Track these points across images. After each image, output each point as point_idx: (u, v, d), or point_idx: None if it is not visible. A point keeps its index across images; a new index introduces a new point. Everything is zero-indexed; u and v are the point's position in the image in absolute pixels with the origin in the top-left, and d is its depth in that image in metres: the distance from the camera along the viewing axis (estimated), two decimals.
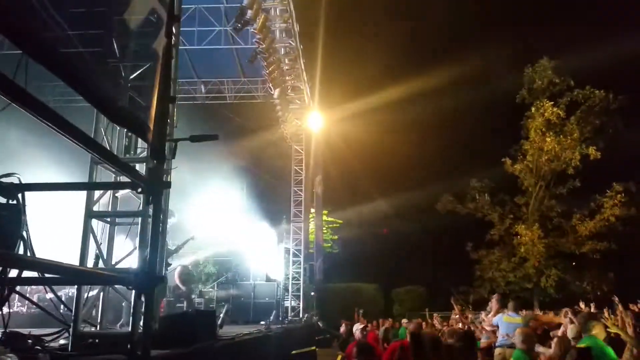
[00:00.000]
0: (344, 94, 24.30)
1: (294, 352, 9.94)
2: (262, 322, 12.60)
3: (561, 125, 24.35)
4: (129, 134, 5.73)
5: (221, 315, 8.19)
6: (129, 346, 4.46)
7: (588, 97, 24.24)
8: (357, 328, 8.78)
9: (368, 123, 26.92)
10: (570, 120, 24.28)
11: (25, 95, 2.59)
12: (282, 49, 15.88)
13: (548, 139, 23.90)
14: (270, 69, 15.21)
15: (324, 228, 25.00)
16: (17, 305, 9.07)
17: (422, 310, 20.93)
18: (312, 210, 20.87)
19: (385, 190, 29.95)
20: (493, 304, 8.72)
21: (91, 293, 5.23)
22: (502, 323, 7.90)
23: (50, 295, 8.74)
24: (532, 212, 25.36)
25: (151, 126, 4.01)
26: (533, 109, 24.61)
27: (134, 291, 4.47)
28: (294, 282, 18.39)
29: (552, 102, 24.30)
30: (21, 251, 3.60)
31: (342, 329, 10.10)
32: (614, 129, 24.07)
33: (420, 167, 29.74)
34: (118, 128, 5.58)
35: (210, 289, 15.76)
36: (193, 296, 12.19)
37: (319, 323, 16.24)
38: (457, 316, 9.94)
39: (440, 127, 30.11)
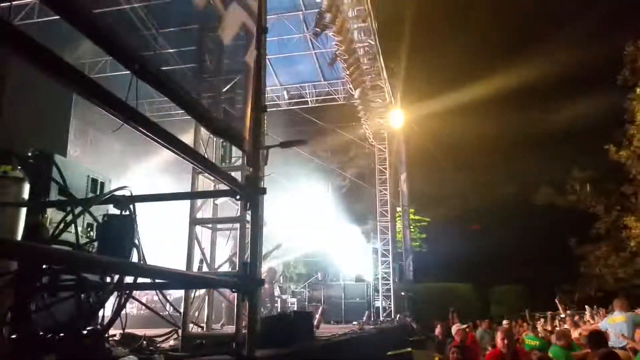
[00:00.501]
0: (426, 90, 23.84)
1: (389, 353, 9.85)
2: (355, 323, 12.65)
3: None
4: (224, 143, 6.01)
5: (317, 316, 8.33)
6: (234, 346, 4.69)
7: None
8: (455, 329, 8.52)
9: (452, 118, 26.22)
10: None
11: (137, 114, 2.81)
12: (361, 49, 15.87)
13: None
14: (350, 70, 15.27)
15: (411, 227, 24.61)
16: (128, 307, 9.80)
17: (522, 311, 19.97)
18: (398, 209, 20.63)
19: (475, 185, 28.92)
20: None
21: (196, 295, 5.53)
22: (608, 326, 7.28)
23: (156, 297, 9.38)
24: None
25: (247, 135, 4.18)
26: (638, 89, 22.56)
27: (236, 294, 4.69)
28: (383, 282, 18.26)
29: None
30: (135, 259, 3.91)
31: (438, 330, 9.80)
32: None
33: (512, 159, 28.38)
34: (215, 139, 5.87)
35: (302, 289, 16.09)
36: (277, 294, 12.54)
37: (412, 324, 15.96)
38: (564, 317, 9.32)
39: (532, 117, 28.56)
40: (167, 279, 3.35)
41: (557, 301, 9.53)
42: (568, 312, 10.54)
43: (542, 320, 12.13)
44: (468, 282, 27.38)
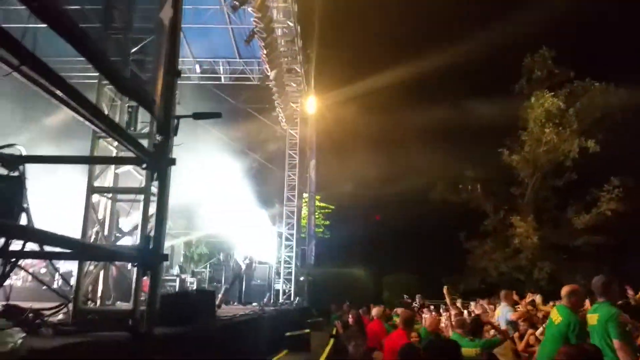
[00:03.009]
0: (340, 78, 24.11)
1: (288, 333, 9.95)
2: (255, 304, 12.61)
3: (560, 117, 24.21)
4: (129, 109, 5.60)
5: (219, 296, 8.16)
6: (130, 322, 4.42)
7: (588, 89, 24.15)
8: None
9: (363, 108, 26.80)
10: (570, 112, 24.14)
11: (33, 58, 2.49)
12: (280, 30, 15.66)
13: (547, 130, 23.79)
14: (267, 50, 15.01)
15: (316, 213, 24.99)
16: (13, 278, 8.94)
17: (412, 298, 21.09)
18: (305, 194, 20.84)
19: (379, 176, 29.91)
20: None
21: (90, 268, 5.14)
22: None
23: (44, 270, 8.65)
24: (527, 203, 25.39)
25: (157, 100, 3.91)
26: (533, 98, 24.42)
27: (135, 268, 4.42)
28: (285, 265, 18.39)
29: (552, 93, 24.19)
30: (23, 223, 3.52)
31: (351, 319, 9.78)
32: (614, 122, 24.00)
33: (415, 154, 29.68)
34: (118, 104, 5.46)
35: (203, 269, 15.72)
36: (176, 273, 12.18)
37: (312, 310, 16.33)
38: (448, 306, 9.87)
39: (435, 114, 30.00)
40: (62, 246, 3.05)
41: (445, 291, 10.03)
42: (457, 303, 11.19)
43: (431, 307, 12.88)
44: (365, 269, 28.50)
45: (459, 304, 11.34)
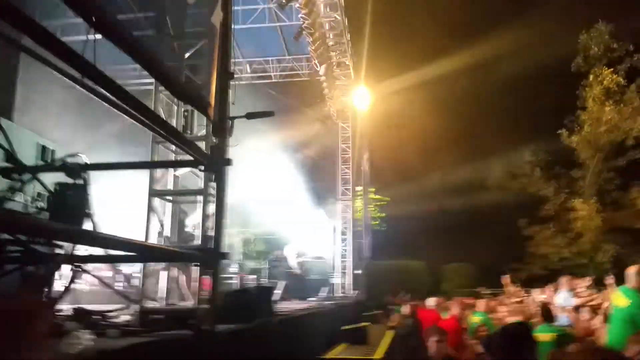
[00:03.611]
0: (391, 70, 23.81)
1: (344, 327, 9.94)
2: (313, 299, 12.70)
3: (621, 94, 22.97)
4: (185, 113, 5.73)
5: (279, 291, 8.26)
6: (193, 321, 4.53)
7: None
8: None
9: (415, 98, 26.39)
10: (631, 88, 22.82)
11: (95, 71, 2.57)
12: (327, 24, 15.59)
13: (607, 109, 22.63)
14: (315, 45, 14.98)
15: (371, 206, 24.84)
16: (79, 283, 9.40)
17: (471, 288, 20.60)
18: (359, 188, 20.73)
19: (433, 166, 29.41)
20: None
21: (153, 268, 5.31)
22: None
23: (109, 273, 9.04)
24: (589, 185, 24.30)
25: (212, 102, 3.97)
26: (591, 76, 23.27)
27: (198, 268, 4.53)
28: (342, 259, 18.40)
29: (610, 69, 22.91)
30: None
31: (407, 309, 9.68)
32: None
33: (470, 141, 28.97)
34: (175, 108, 5.59)
35: (261, 266, 16.00)
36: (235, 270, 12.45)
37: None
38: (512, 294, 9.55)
39: (491, 100, 29.10)
40: (126, 250, 3.15)
41: (502, 281, 9.68)
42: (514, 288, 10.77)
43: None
44: (422, 260, 28.07)
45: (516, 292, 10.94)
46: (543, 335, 5.57)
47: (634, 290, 4.76)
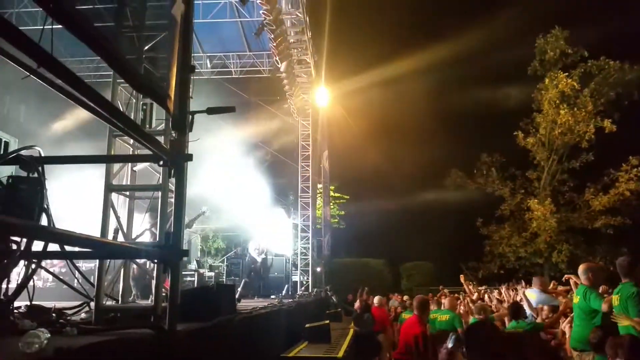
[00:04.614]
0: (351, 68, 24.01)
1: (307, 325, 9.97)
2: (273, 296, 12.67)
3: (575, 98, 23.89)
4: (144, 107, 5.61)
5: (239, 289, 8.20)
6: (152, 319, 4.45)
7: (602, 68, 23.72)
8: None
9: (374, 97, 26.72)
10: (584, 92, 23.77)
11: (52, 60, 2.48)
12: (289, 21, 15.57)
13: (562, 112, 23.49)
14: (276, 42, 14.93)
15: (331, 203, 24.98)
16: (34, 279, 9.09)
17: (431, 286, 21.05)
18: (319, 185, 20.81)
19: (392, 165, 29.84)
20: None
21: (110, 266, 5.18)
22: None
23: (65, 269, 8.76)
24: (544, 186, 25.16)
25: (172, 96, 3.90)
26: (547, 80, 24.10)
27: (155, 265, 4.45)
28: (302, 257, 18.44)
29: (566, 74, 23.81)
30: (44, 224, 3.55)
31: (357, 304, 10.19)
32: (630, 100, 23.59)
33: (429, 141, 29.52)
34: (133, 102, 5.47)
35: (220, 263, 15.83)
36: (194, 267, 12.24)
37: (332, 298, 16.33)
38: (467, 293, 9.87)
39: (448, 101, 29.83)
40: (82, 246, 3.06)
41: (462, 279, 9.99)
42: (481, 288, 11.18)
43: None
44: (381, 258, 28.46)
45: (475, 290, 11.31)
46: (513, 331, 5.84)
47: (583, 287, 5.03)
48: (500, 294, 10.23)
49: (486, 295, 9.78)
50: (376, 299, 10.29)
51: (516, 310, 6.31)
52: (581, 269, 5.27)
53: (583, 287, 5.08)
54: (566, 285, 8.79)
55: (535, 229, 24.04)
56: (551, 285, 9.33)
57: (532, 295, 7.72)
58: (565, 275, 8.34)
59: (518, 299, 8.53)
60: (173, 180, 4.09)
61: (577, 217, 24.30)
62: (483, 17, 27.84)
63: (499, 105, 27.31)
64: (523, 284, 9.90)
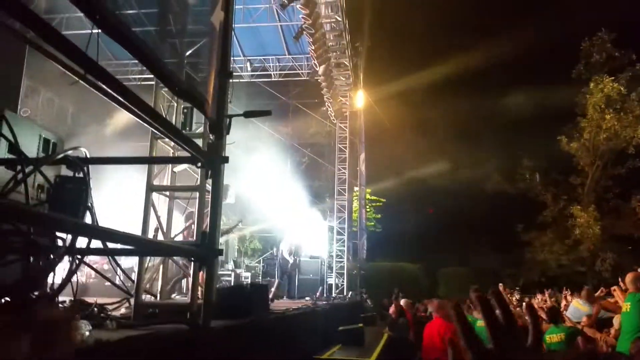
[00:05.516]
0: (389, 71, 23.91)
1: (340, 328, 10.00)
2: (307, 298, 12.76)
3: (622, 102, 23.06)
4: (184, 110, 5.80)
5: (272, 289, 8.32)
6: (188, 316, 4.60)
7: None
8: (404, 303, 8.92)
9: (413, 101, 26.48)
10: (632, 97, 22.92)
11: (97, 68, 2.63)
12: (328, 25, 15.67)
13: (607, 116, 22.73)
14: (315, 46, 15.08)
15: (367, 207, 24.91)
16: (77, 275, 9.50)
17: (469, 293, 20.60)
18: (356, 188, 20.81)
19: (431, 169, 29.47)
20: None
21: (150, 264, 5.38)
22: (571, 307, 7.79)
23: (107, 266, 9.12)
24: (587, 193, 24.38)
25: (209, 100, 4.04)
26: (591, 84, 23.36)
27: (193, 263, 4.59)
28: (337, 259, 18.48)
29: (612, 77, 23.02)
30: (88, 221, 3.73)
31: (392, 309, 10.10)
32: None
33: (469, 145, 29.04)
34: (174, 105, 5.66)
35: (257, 264, 16.06)
36: (231, 267, 12.48)
37: (367, 301, 16.29)
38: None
39: (489, 105, 29.22)
40: (124, 243, 3.22)
41: (501, 288, 9.80)
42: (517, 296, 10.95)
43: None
44: (417, 263, 28.12)
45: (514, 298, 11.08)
46: (552, 336, 5.72)
47: (632, 294, 4.93)
48: (545, 301, 9.99)
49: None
50: (402, 301, 10.19)
51: (555, 313, 6.20)
52: (631, 277, 5.13)
53: (630, 295, 4.96)
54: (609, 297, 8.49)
55: (579, 236, 23.30)
56: (599, 292, 8.96)
57: (583, 307, 7.51)
58: (612, 288, 8.06)
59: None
60: (210, 181, 4.23)
61: (622, 224, 23.42)
62: (526, 20, 27.20)
63: (542, 110, 26.60)
64: (568, 292, 9.49)
